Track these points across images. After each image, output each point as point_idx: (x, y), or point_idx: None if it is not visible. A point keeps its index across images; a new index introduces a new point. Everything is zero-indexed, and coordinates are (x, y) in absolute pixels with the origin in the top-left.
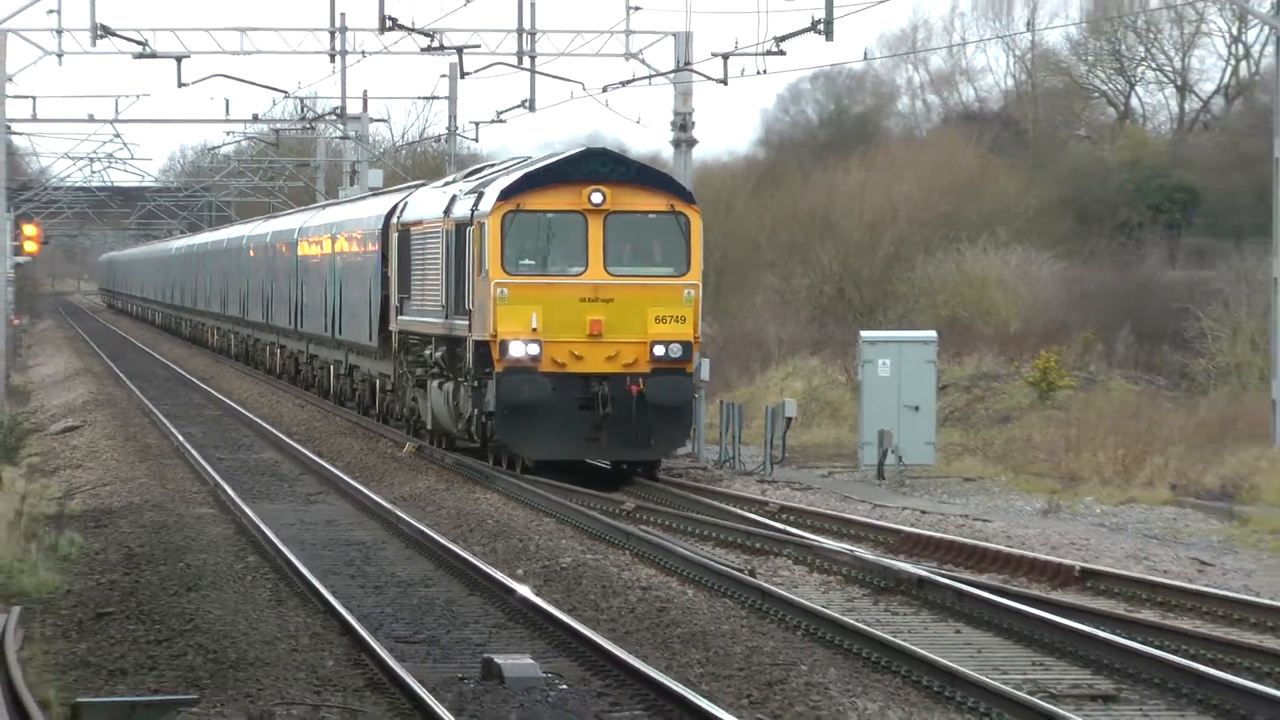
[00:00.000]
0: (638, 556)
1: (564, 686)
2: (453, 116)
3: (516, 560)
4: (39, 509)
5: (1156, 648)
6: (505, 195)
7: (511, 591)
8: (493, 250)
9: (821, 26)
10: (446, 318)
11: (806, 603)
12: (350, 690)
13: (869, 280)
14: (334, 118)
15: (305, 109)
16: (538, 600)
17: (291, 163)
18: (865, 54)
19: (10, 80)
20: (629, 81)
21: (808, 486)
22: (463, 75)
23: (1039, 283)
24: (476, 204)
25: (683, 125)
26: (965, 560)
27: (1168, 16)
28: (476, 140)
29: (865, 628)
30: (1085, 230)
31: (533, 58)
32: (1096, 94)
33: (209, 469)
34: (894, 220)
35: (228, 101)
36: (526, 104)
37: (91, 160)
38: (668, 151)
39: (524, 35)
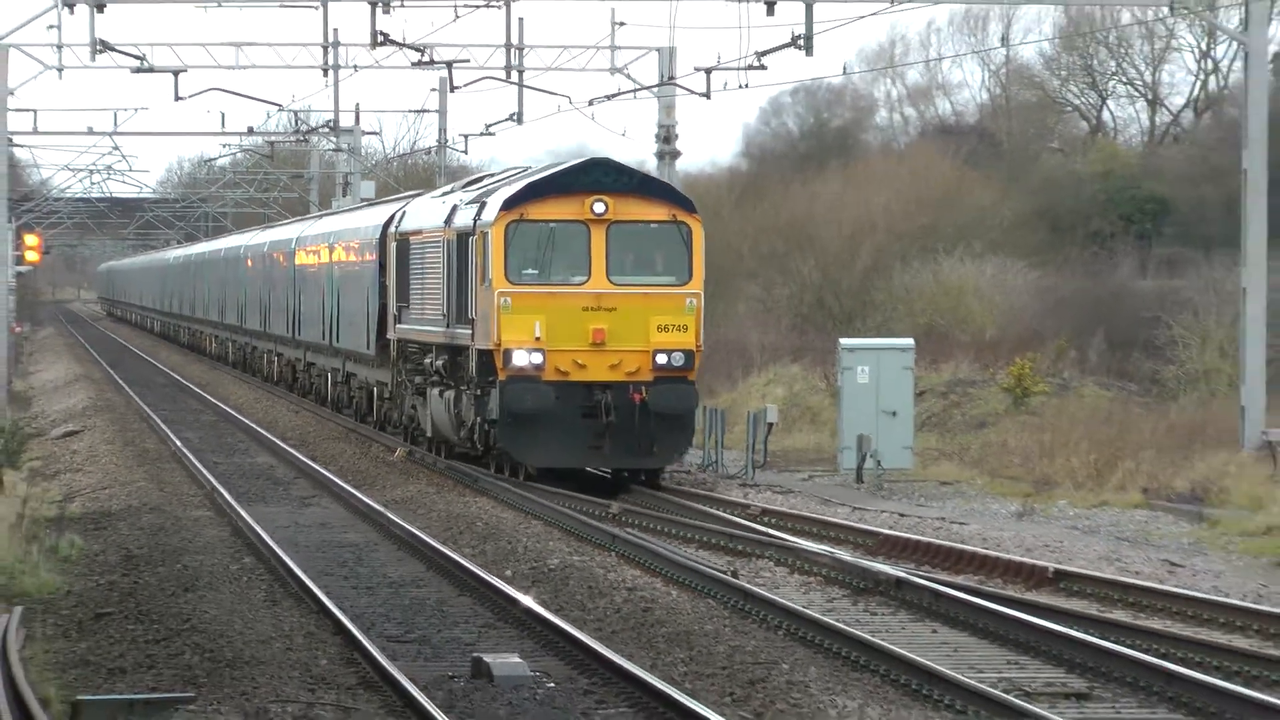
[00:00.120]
0: (623, 558)
1: (551, 684)
2: (443, 129)
3: (505, 562)
4: (40, 512)
5: (1128, 647)
6: (508, 205)
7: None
8: (496, 260)
9: (801, 42)
10: (448, 326)
11: (787, 603)
12: (343, 688)
13: (848, 289)
14: (327, 130)
15: (299, 122)
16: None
17: (286, 174)
18: (844, 68)
19: (12, 94)
20: (614, 95)
21: (789, 490)
22: (452, 89)
23: (1014, 291)
24: (479, 214)
25: (667, 138)
26: (942, 562)
27: (1139, 32)
28: (466, 152)
29: (845, 628)
30: (1058, 240)
31: (520, 72)
32: (1069, 108)
33: (206, 473)
34: (872, 231)
35: (223, 115)
36: (514, 117)
37: (91, 172)
38: (652, 163)
39: (512, 50)
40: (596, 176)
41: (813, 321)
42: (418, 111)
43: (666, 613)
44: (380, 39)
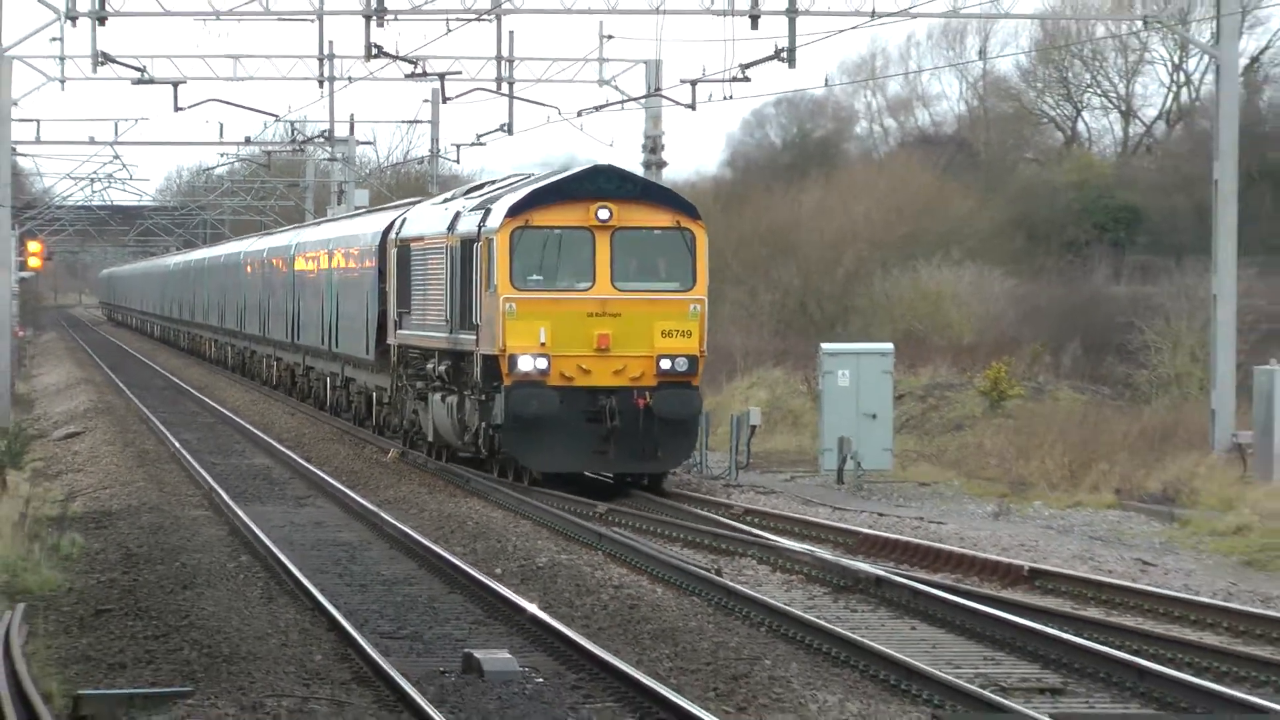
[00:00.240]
0: (610, 557)
1: (540, 680)
2: (435, 139)
3: (495, 560)
4: (42, 511)
5: (1101, 643)
6: (514, 212)
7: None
8: (501, 266)
9: (785, 54)
10: (451, 332)
11: (770, 600)
12: (337, 683)
13: (829, 295)
14: (322, 140)
15: (295, 132)
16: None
17: (282, 183)
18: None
19: (15, 104)
20: (602, 106)
21: (771, 490)
22: (444, 100)
23: (991, 298)
24: (484, 220)
25: (653, 148)
26: (920, 560)
27: (1113, 46)
28: (458, 161)
29: (826, 624)
30: (1034, 248)
31: (511, 84)
32: (1045, 119)
33: (204, 473)
34: (853, 239)
35: (221, 125)
36: (505, 127)
37: (92, 180)
38: (639, 173)
39: (503, 62)
40: (600, 183)
41: (795, 327)
42: (411, 122)
43: (652, 610)
44: (374, 51)
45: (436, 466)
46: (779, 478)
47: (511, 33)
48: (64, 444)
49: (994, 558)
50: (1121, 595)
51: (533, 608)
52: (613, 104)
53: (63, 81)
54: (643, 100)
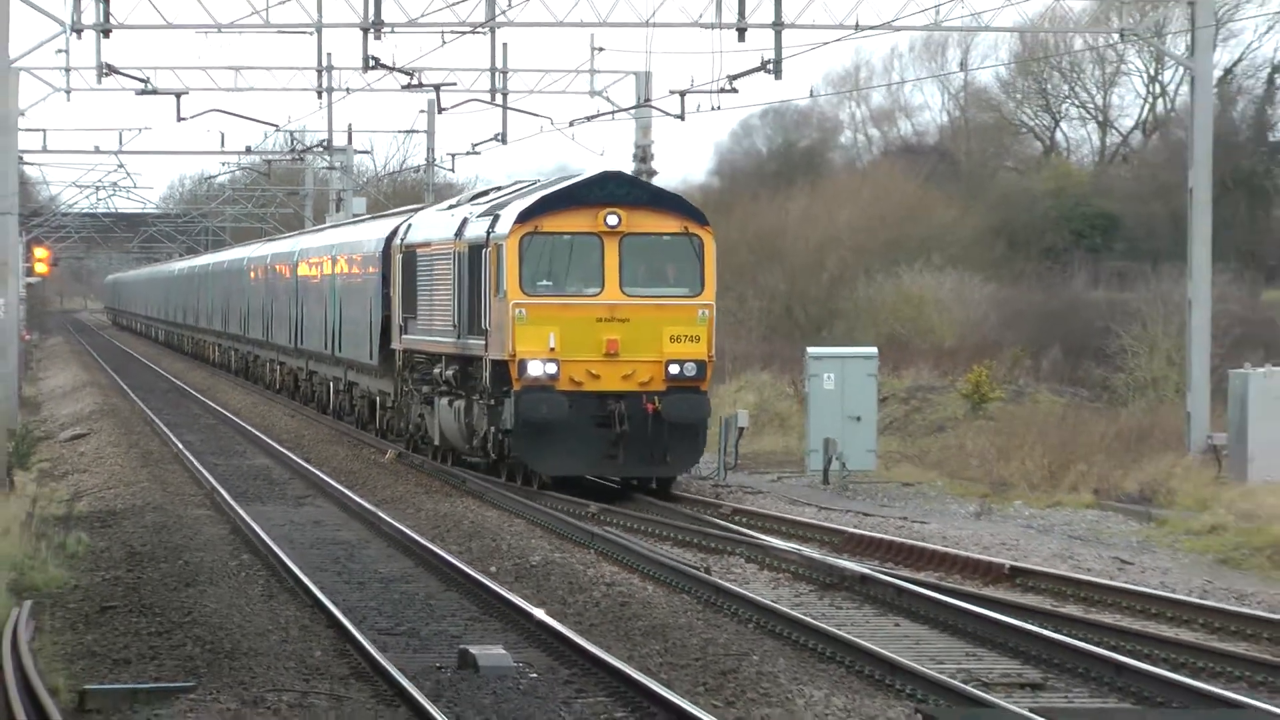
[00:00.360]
0: (602, 555)
1: (534, 675)
2: (431, 149)
3: (489, 559)
4: (49, 510)
5: (1080, 640)
6: (523, 218)
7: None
8: (511, 271)
9: (771, 66)
10: (459, 337)
11: (758, 598)
12: (336, 678)
13: (815, 300)
14: (321, 149)
15: (294, 141)
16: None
17: (282, 191)
18: (811, 91)
19: (22, 114)
20: (594, 117)
21: (758, 491)
22: (440, 110)
23: (972, 303)
24: (493, 226)
25: (643, 157)
26: (904, 559)
27: (1090, 57)
28: (453, 170)
29: (812, 621)
30: (1014, 255)
31: (505, 94)
32: (1024, 129)
33: (206, 474)
34: (837, 245)
35: (223, 135)
36: (499, 137)
37: (97, 188)
38: None
39: (497, 74)
40: (610, 189)
41: (781, 331)
42: (407, 132)
43: (643, 607)
44: (372, 63)
45: (433, 467)
46: (766, 478)
47: (505, 45)
48: (70, 445)
49: (976, 556)
50: (1100, 593)
51: (540, 613)
52: (604, 114)
53: (68, 92)
54: (633, 111)
